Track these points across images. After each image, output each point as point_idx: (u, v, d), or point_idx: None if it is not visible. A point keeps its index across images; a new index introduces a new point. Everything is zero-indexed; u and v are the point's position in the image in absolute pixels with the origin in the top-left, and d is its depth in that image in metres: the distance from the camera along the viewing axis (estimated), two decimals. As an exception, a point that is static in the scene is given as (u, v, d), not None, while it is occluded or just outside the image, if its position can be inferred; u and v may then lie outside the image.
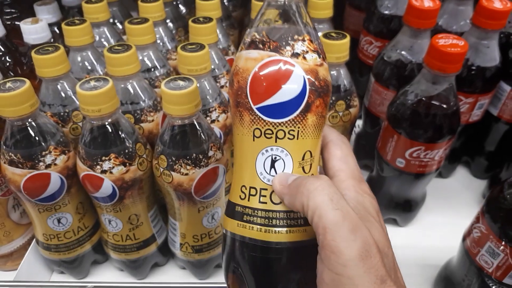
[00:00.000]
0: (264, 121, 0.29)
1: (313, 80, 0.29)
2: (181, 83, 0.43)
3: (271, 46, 0.29)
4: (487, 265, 0.43)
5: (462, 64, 0.45)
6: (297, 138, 0.30)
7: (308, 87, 0.29)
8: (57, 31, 0.69)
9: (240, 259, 0.32)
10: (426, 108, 0.49)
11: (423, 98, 0.49)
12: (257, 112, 0.29)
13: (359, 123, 0.72)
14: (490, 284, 0.44)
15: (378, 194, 0.61)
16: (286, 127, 0.29)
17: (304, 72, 0.29)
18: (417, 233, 0.63)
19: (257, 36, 0.30)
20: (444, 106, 0.48)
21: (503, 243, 0.41)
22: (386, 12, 0.63)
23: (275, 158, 0.30)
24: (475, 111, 0.60)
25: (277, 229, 0.30)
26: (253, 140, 0.30)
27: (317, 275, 0.26)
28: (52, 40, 0.59)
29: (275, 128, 0.29)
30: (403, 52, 0.55)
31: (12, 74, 0.61)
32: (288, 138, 0.30)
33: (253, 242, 0.31)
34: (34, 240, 0.55)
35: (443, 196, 0.68)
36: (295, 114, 0.29)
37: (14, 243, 0.56)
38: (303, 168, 0.30)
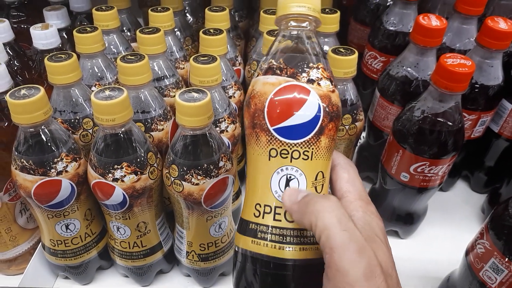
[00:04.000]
0: (280, 141, 0.31)
1: (327, 104, 0.31)
2: (195, 95, 0.43)
3: (288, 72, 0.31)
4: (490, 280, 0.44)
5: (468, 84, 0.46)
6: (311, 159, 0.31)
7: (322, 110, 0.31)
8: (65, 37, 0.69)
9: (253, 275, 0.33)
10: (432, 125, 0.50)
11: (430, 115, 0.50)
12: (274, 133, 0.31)
13: (362, 135, 0.73)
14: (492, 299, 0.45)
15: (380, 206, 0.62)
16: (301, 147, 0.31)
17: (319, 97, 0.31)
18: (418, 246, 0.64)
19: (275, 63, 0.32)
20: (450, 123, 0.49)
21: (506, 259, 0.42)
22: (392, 28, 0.64)
23: (290, 177, 0.31)
24: (477, 128, 0.61)
25: (290, 246, 0.31)
26: (269, 159, 0.31)
27: None
28: (60, 45, 0.60)
29: (290, 149, 0.31)
30: (409, 69, 0.57)
31: (20, 78, 0.62)
32: (303, 159, 0.31)
33: (267, 259, 0.32)
34: (40, 245, 0.55)
35: (443, 209, 0.69)
36: (310, 136, 0.31)
37: (19, 247, 0.56)
38: (315, 188, 0.32)
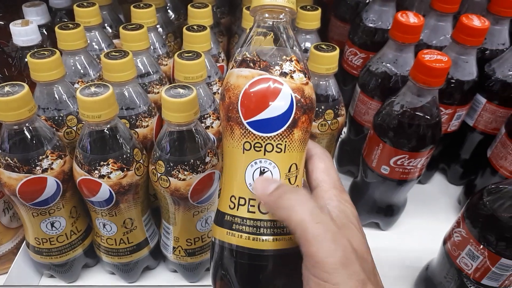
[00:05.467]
0: (254, 135, 0.31)
1: (300, 97, 0.31)
2: (181, 91, 0.44)
3: (261, 65, 0.31)
4: (466, 267, 0.46)
5: (445, 79, 0.48)
6: (284, 152, 0.32)
7: (295, 104, 0.31)
8: (45, 33, 0.68)
9: (229, 266, 0.33)
10: (411, 119, 0.51)
11: (408, 109, 0.52)
12: (247, 127, 0.31)
13: (343, 129, 0.75)
14: (469, 285, 0.47)
15: (361, 199, 0.64)
16: (275, 141, 0.31)
17: (292, 90, 0.31)
18: (398, 237, 0.66)
19: (248, 56, 0.32)
20: (428, 117, 0.51)
21: (481, 246, 0.44)
22: (371, 25, 0.66)
23: (264, 170, 0.32)
24: (453, 122, 0.64)
25: (264, 237, 0.32)
26: (243, 152, 0.32)
27: (303, 282, 0.29)
28: (41, 42, 0.59)
29: (264, 142, 0.31)
30: (388, 65, 0.58)
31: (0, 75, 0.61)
32: (276, 151, 0.31)
33: (242, 249, 0.32)
34: (24, 243, 0.54)
35: (421, 201, 0.71)
36: (283, 129, 0.31)
37: (2, 247, 0.55)
38: (289, 179, 0.32)
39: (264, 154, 0.31)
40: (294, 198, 0.29)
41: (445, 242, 0.50)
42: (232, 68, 0.33)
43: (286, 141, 0.31)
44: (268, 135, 0.31)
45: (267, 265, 0.32)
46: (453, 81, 0.59)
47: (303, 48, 0.65)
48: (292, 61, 0.32)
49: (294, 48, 0.33)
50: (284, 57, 0.32)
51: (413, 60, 0.56)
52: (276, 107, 0.31)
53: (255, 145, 0.31)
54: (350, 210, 0.32)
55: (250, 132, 0.31)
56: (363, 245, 0.30)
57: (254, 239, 0.32)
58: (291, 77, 0.31)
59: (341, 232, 0.29)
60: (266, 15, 0.32)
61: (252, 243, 0.32)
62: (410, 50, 0.57)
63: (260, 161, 0.32)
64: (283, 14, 0.32)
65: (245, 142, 0.31)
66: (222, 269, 0.34)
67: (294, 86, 0.31)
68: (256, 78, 0.31)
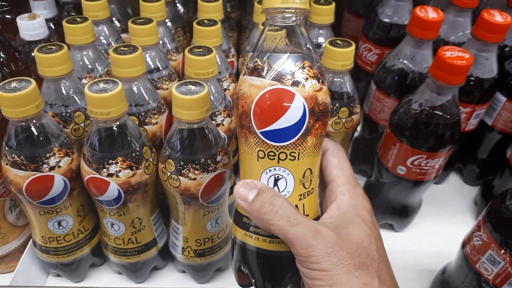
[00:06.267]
0: (267, 144, 0.31)
1: (313, 105, 0.31)
2: (192, 88, 0.42)
3: (273, 75, 0.31)
4: (487, 272, 0.44)
5: (466, 76, 0.46)
6: (298, 159, 0.32)
7: (308, 112, 0.31)
8: (53, 27, 0.67)
9: (247, 262, 0.36)
10: (430, 118, 0.50)
11: (427, 108, 0.50)
12: (261, 136, 0.31)
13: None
14: (489, 291, 0.45)
15: (375, 200, 0.62)
16: (288, 149, 0.31)
17: (304, 99, 0.31)
18: (412, 238, 0.64)
19: (260, 63, 0.32)
20: (447, 116, 0.49)
21: (503, 251, 0.42)
22: (387, 20, 0.64)
23: (278, 177, 0.32)
24: (472, 121, 0.62)
25: (278, 240, 0.33)
26: (257, 160, 0.32)
27: (300, 274, 0.32)
28: (48, 36, 0.58)
29: (277, 151, 0.31)
30: (405, 61, 0.56)
31: (6, 70, 0.60)
32: (290, 159, 0.32)
33: (259, 250, 0.34)
34: (31, 242, 0.53)
35: (436, 201, 0.69)
36: (296, 138, 0.31)
37: (9, 245, 0.54)
38: (303, 184, 0.33)
39: (278, 162, 0.32)
40: (271, 212, 0.31)
41: (463, 245, 0.49)
42: (244, 74, 0.33)
43: (299, 149, 0.32)
44: (281, 144, 0.31)
45: (282, 264, 0.34)
46: (472, 78, 0.57)
47: (316, 43, 0.63)
48: (305, 68, 0.31)
49: (307, 47, 0.32)
50: (297, 64, 0.31)
51: (431, 57, 0.55)
52: (289, 118, 0.31)
53: (269, 154, 0.32)
54: (361, 204, 0.34)
55: (264, 141, 0.31)
56: (364, 236, 0.32)
57: (270, 241, 0.33)
58: (303, 86, 0.31)
59: (327, 228, 0.31)
60: (278, 17, 0.31)
61: (268, 245, 0.34)
62: (428, 46, 0.55)
63: (274, 169, 0.32)
64: (298, 16, 0.31)
65: (259, 150, 0.32)
66: (242, 264, 0.36)
67: (306, 95, 0.31)
68: (267, 89, 0.31)
